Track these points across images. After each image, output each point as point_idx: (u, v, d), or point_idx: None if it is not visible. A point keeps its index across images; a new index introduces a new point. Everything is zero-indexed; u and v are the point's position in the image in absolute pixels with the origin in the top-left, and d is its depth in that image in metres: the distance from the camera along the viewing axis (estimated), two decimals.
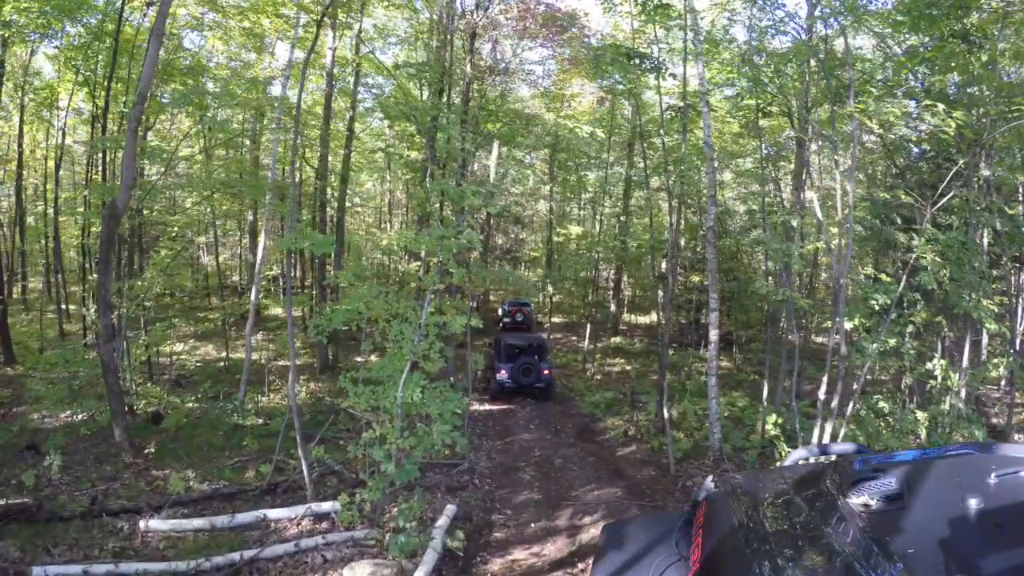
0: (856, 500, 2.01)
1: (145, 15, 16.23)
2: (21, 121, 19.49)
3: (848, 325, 9.06)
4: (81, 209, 18.71)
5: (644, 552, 2.63)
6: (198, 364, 18.94)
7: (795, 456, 3.11)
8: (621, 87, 19.74)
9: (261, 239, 13.11)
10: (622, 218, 24.44)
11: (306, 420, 12.39)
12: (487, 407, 15.17)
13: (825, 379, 8.78)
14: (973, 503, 1.71)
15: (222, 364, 18.74)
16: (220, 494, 8.25)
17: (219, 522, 7.07)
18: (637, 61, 14.90)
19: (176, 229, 20.42)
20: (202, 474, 9.09)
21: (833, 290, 9.79)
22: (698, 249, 25.93)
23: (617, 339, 24.41)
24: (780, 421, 12.21)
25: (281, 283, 23.20)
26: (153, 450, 9.97)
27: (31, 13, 13.86)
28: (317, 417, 12.42)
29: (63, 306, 21.52)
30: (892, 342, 8.78)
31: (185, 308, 27.00)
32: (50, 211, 20.39)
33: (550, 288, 21.53)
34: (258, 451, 10.22)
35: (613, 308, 24.66)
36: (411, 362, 6.05)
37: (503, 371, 14.89)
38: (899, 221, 10.53)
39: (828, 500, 2.14)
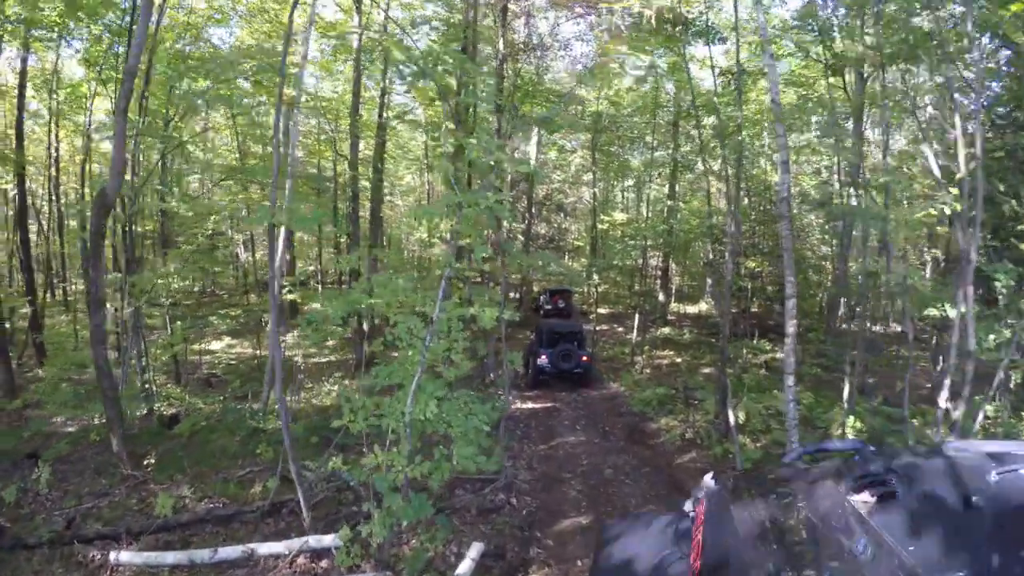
0: (856, 497, 1.94)
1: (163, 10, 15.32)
2: (53, 124, 18.79)
3: (952, 312, 7.30)
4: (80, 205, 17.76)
5: (644, 550, 2.50)
6: (231, 362, 17.96)
7: (794, 454, 2.99)
8: (662, 62, 18.03)
9: (282, 231, 11.90)
10: (668, 203, 22.58)
11: (330, 424, 11.12)
12: (529, 405, 13.68)
13: (947, 381, 6.92)
14: (972, 501, 1.66)
15: (255, 362, 17.69)
16: (215, 516, 6.93)
17: (199, 556, 5.72)
18: (682, 28, 13.16)
19: (210, 226, 19.50)
20: (202, 490, 7.82)
21: (954, 267, 8.03)
22: (755, 232, 24.00)
23: (666, 330, 22.60)
24: (862, 425, 10.43)
25: (272, 271, 21.99)
26: (155, 460, 8.74)
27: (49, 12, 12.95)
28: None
29: None
30: (1007, 333, 7.00)
31: (223, 305, 26.34)
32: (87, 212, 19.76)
33: (595, 277, 19.88)
34: (272, 460, 8.90)
35: (661, 297, 22.87)
36: (422, 367, 4.54)
37: (543, 356, 14.80)
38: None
39: (827, 497, 2.06)
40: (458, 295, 7.85)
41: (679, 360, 19.27)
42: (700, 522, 2.39)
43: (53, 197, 21.33)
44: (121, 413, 8.65)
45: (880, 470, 2.18)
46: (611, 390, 15.45)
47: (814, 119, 18.76)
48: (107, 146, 19.81)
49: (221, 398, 13.37)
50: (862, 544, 1.74)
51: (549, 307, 23.41)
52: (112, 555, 5.92)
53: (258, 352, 17.52)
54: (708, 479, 2.72)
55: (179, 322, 14.12)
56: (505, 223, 23.70)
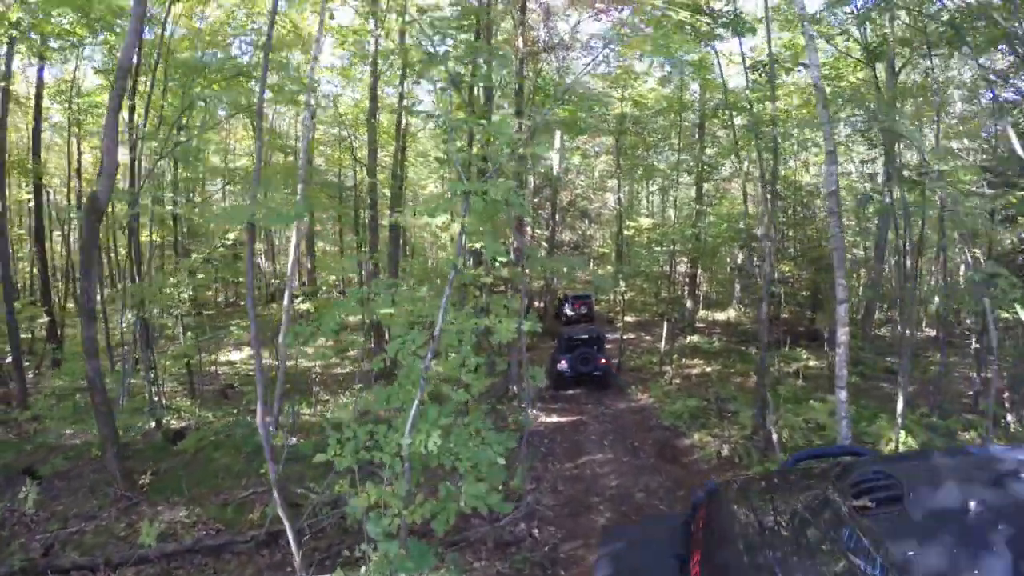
0: (856, 503, 1.89)
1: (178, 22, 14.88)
2: (73, 135, 18.47)
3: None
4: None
5: (644, 555, 2.47)
6: (250, 373, 17.31)
7: (795, 458, 2.90)
8: (689, 57, 17.11)
9: (292, 238, 11.15)
10: (696, 207, 21.55)
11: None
12: (555, 419, 12.83)
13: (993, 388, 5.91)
14: (973, 504, 1.65)
15: (273, 373, 17.04)
16: (204, 547, 6.20)
17: None
18: (708, 19, 12.28)
19: (231, 236, 19.04)
20: (198, 513, 7.11)
21: None
22: (784, 236, 22.91)
23: (695, 338, 21.52)
24: (913, 441, 9.42)
25: (256, 280, 21.44)
26: (152, 479, 8.07)
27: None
28: None
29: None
30: None
31: (245, 315, 25.86)
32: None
33: (622, 284, 18.94)
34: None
35: (690, 305, 21.82)
36: (422, 389, 3.74)
37: (563, 361, 15.17)
38: None
39: (828, 503, 2.02)
40: (473, 303, 7.04)
41: (709, 369, 18.26)
42: (701, 527, 2.32)
43: (76, 207, 21.08)
44: (115, 429, 7.98)
45: (880, 474, 2.08)
46: (639, 402, 14.52)
47: (843, 116, 17.82)
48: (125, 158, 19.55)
49: (235, 411, 12.73)
50: (862, 547, 1.67)
51: (571, 313, 23.22)
52: None
53: (275, 363, 16.88)
54: (708, 484, 2.62)
55: (191, 332, 13.51)
56: (529, 229, 22.98)
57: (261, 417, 5.10)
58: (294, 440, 10.32)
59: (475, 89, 10.94)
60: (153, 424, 10.98)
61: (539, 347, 21.07)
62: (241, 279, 26.93)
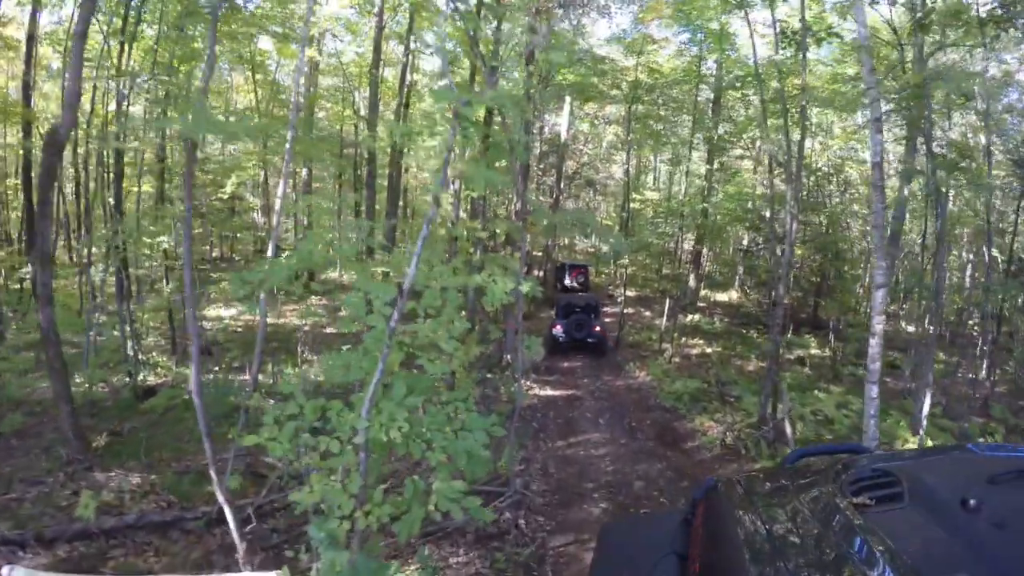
0: (856, 500, 1.83)
1: None
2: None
3: None
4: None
5: (642, 553, 2.35)
6: (239, 330, 16.52)
7: (794, 456, 2.76)
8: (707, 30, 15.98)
9: (279, 188, 10.21)
10: (704, 183, 20.50)
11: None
12: (549, 392, 12.07)
13: None
14: (973, 503, 1.58)
15: (269, 330, 16.25)
16: (149, 523, 5.41)
17: None
18: None
19: (228, 188, 18.12)
20: (152, 483, 6.33)
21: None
22: (796, 218, 21.86)
23: (696, 317, 20.70)
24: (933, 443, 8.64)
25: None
26: (105, 441, 7.30)
27: None
28: None
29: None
30: None
31: (240, 270, 24.95)
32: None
33: (625, 258, 18.06)
34: (243, 448, 7.42)
35: (692, 283, 20.94)
36: (384, 358, 2.88)
37: (558, 326, 15.29)
38: None
39: (828, 500, 1.97)
40: (465, 258, 6.17)
41: (710, 350, 17.47)
42: (700, 523, 2.21)
43: (77, 159, 20.05)
44: (68, 385, 7.15)
45: (880, 471, 2.02)
46: (638, 379, 13.74)
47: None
48: (136, 109, 18.37)
49: (215, 369, 11.95)
50: (861, 545, 1.60)
51: (568, 282, 22.93)
52: (5, 570, 4.43)
53: (238, 319, 16.09)
54: (708, 480, 2.52)
55: (171, 284, 12.66)
56: (533, 197, 22.00)
57: (195, 378, 4.28)
58: (272, 402, 9.55)
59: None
60: (128, 379, 10.21)
61: (537, 316, 20.27)
62: (239, 235, 26.04)
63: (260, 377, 11.43)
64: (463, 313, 3.61)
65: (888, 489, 1.88)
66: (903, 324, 24.11)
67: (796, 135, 11.10)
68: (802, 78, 10.72)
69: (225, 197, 22.70)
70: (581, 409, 10.92)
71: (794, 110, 11.08)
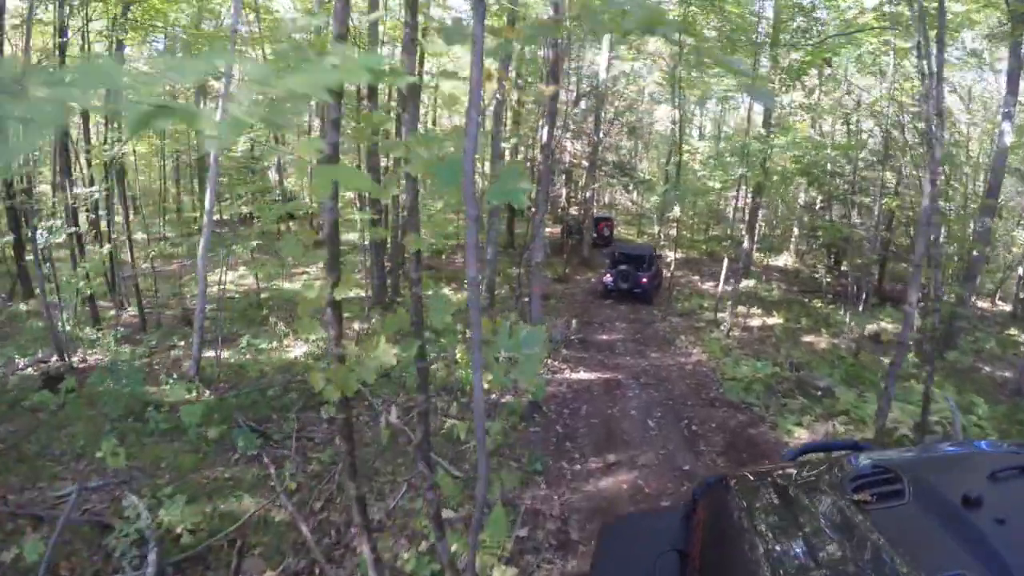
0: (857, 497, 1.76)
1: None
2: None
3: None
4: None
5: (643, 549, 2.25)
6: (235, 296, 13.97)
7: (796, 452, 2.66)
8: None
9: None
10: (761, 131, 16.80)
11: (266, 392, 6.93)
12: (582, 375, 9.18)
13: None
14: (974, 499, 1.54)
15: (261, 296, 13.70)
16: None
17: None
18: None
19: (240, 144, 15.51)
20: None
21: None
22: (855, 173, 18.19)
23: (751, 283, 17.40)
24: None
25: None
26: None
27: None
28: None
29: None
30: None
31: (259, 234, 22.49)
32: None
33: (676, 209, 14.83)
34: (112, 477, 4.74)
35: (746, 244, 17.55)
36: None
37: (608, 275, 14.85)
38: None
39: (829, 496, 1.92)
40: None
41: (771, 322, 14.25)
42: (701, 520, 2.10)
43: None
44: None
45: (880, 468, 1.91)
46: (691, 358, 10.71)
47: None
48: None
49: (151, 344, 9.33)
50: (862, 541, 1.54)
51: (594, 235, 20.85)
52: None
53: (264, 284, 13.48)
54: (709, 477, 2.43)
55: (107, 245, 10.03)
56: (568, 145, 18.69)
57: None
58: (209, 394, 6.87)
59: None
60: (55, 359, 7.69)
61: (573, 279, 17.25)
62: (265, 197, 23.46)
63: (223, 354, 8.82)
64: None
65: (889, 486, 1.76)
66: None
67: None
68: None
69: (238, 155, 20.12)
70: (623, 403, 8.00)
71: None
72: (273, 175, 21.22)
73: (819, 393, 8.59)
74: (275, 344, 9.62)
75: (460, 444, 5.74)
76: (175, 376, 7.15)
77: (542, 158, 8.33)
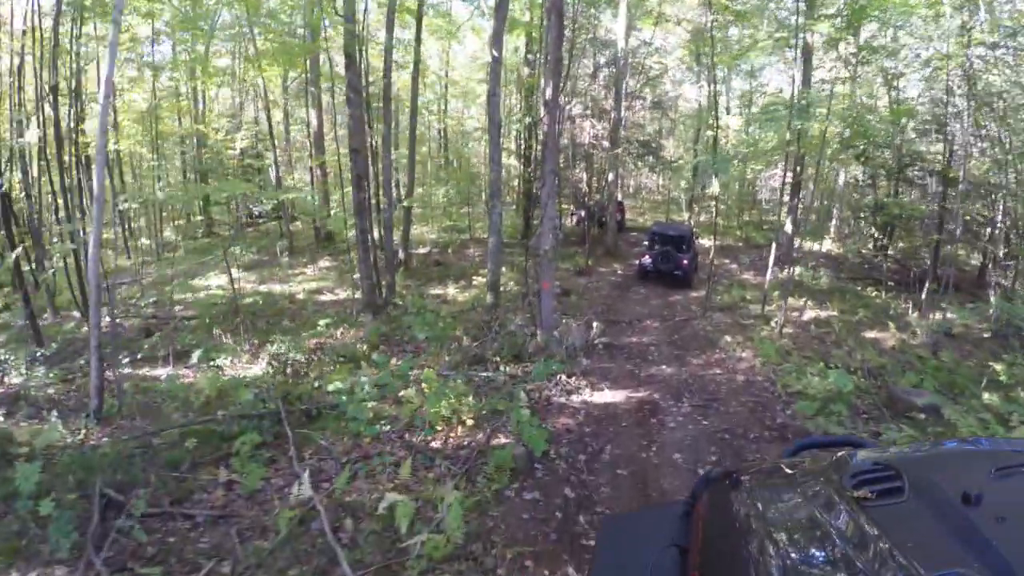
0: (857, 493, 1.62)
1: None
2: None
3: None
4: None
5: (643, 545, 2.14)
6: (215, 303, 12.04)
7: (796, 447, 2.47)
8: None
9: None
10: (795, 100, 14.23)
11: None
12: (607, 397, 7.00)
13: None
14: (974, 497, 1.41)
15: (236, 304, 11.75)
16: None
17: None
18: None
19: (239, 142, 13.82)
20: None
21: None
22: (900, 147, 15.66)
23: (795, 270, 14.97)
24: None
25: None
26: None
27: None
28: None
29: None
30: None
31: (263, 234, 20.85)
32: None
33: (715, 185, 12.53)
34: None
35: (789, 228, 15.10)
36: None
37: (647, 257, 14.11)
38: None
39: (828, 493, 1.74)
40: None
41: (824, 315, 11.90)
42: (701, 515, 2.01)
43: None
44: None
45: (881, 465, 1.73)
46: (742, 364, 8.50)
47: None
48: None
49: (128, 360, 7.49)
50: (862, 538, 1.44)
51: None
52: None
53: (237, 286, 11.52)
54: (709, 472, 2.28)
55: (66, 242, 8.20)
56: (588, 125, 16.48)
57: None
58: (128, 436, 4.93)
59: None
60: None
61: (596, 270, 15.10)
62: (261, 196, 21.84)
63: (163, 373, 6.92)
64: None
65: (889, 483, 1.62)
66: None
67: None
68: None
69: (236, 152, 18.43)
70: (661, 439, 5.84)
71: None
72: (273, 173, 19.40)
73: (921, 415, 6.30)
74: (231, 360, 7.66)
75: (400, 541, 3.67)
76: (64, 411, 5.24)
77: (546, 118, 6.18)
